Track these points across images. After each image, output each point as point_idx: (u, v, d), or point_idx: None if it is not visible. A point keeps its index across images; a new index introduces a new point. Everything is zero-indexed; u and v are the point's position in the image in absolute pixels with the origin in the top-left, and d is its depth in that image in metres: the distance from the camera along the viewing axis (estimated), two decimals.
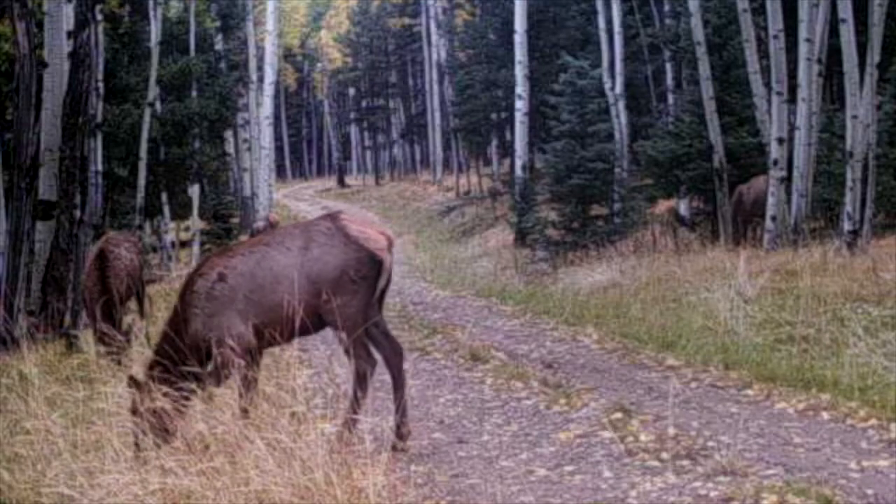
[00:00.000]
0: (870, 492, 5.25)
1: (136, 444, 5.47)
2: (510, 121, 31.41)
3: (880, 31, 14.22)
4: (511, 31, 29.01)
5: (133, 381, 5.66)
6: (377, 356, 6.06)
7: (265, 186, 35.45)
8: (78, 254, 11.26)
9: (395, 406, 5.83)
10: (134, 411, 5.66)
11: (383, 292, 6.05)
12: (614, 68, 26.45)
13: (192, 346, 5.70)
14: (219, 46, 34.27)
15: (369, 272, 5.78)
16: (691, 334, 9.90)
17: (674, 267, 14.40)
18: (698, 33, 18.68)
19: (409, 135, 59.39)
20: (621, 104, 26.33)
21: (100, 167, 15.57)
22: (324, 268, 5.69)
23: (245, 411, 5.56)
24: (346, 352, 5.85)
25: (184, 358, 5.69)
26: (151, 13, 20.08)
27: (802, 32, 16.17)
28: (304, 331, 5.87)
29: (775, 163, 16.25)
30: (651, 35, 28.49)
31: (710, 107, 18.38)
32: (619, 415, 6.95)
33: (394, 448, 5.71)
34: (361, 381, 5.77)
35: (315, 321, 5.82)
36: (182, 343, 5.70)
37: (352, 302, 5.71)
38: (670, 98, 28.27)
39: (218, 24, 33.83)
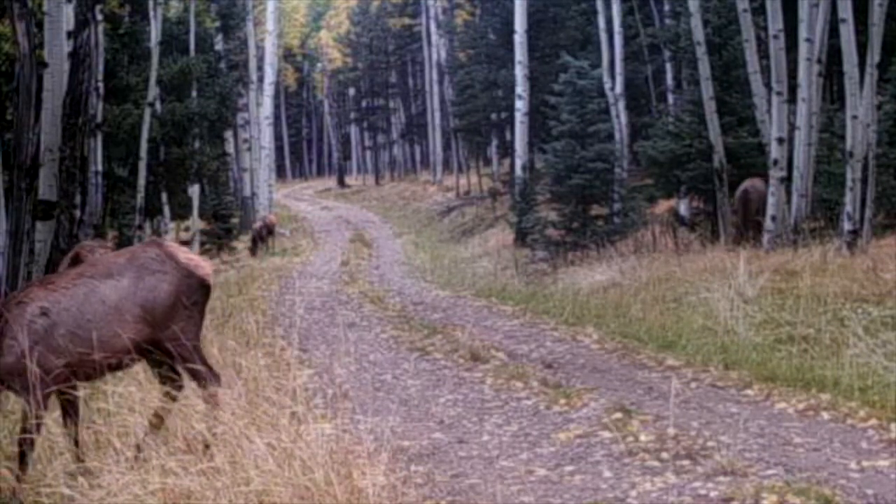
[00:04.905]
0: (870, 492, 5.25)
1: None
2: (510, 121, 31.44)
3: (880, 31, 14.22)
4: (511, 31, 29.03)
5: None
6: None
7: (265, 186, 35.49)
8: None
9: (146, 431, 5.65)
10: None
11: None
12: (614, 68, 26.47)
13: None
14: (219, 46, 34.27)
15: (200, 298, 5.78)
16: (691, 334, 9.90)
17: (674, 267, 14.40)
18: (698, 33, 18.68)
19: (409, 135, 59.41)
20: (621, 104, 26.35)
21: (100, 167, 15.53)
22: (158, 296, 5.64)
23: (22, 464, 5.38)
24: (193, 377, 5.77)
25: None
26: (151, 13, 20.07)
27: (802, 32, 16.17)
28: (132, 362, 5.78)
29: (775, 163, 16.25)
30: (651, 35, 28.50)
31: (710, 107, 18.38)
32: (619, 415, 6.95)
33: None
34: (214, 398, 5.68)
35: (142, 351, 5.71)
36: None
37: (188, 328, 5.70)
38: (670, 98, 28.29)
39: (218, 24, 33.85)
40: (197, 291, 5.77)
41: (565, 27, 32.01)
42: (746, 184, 17.51)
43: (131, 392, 6.03)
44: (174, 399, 5.77)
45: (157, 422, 5.72)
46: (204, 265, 5.86)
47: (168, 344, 5.67)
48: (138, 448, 5.47)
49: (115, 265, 5.70)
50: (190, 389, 5.92)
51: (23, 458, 5.42)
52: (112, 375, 6.04)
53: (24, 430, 5.42)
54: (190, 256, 5.86)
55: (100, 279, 5.61)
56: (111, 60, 18.45)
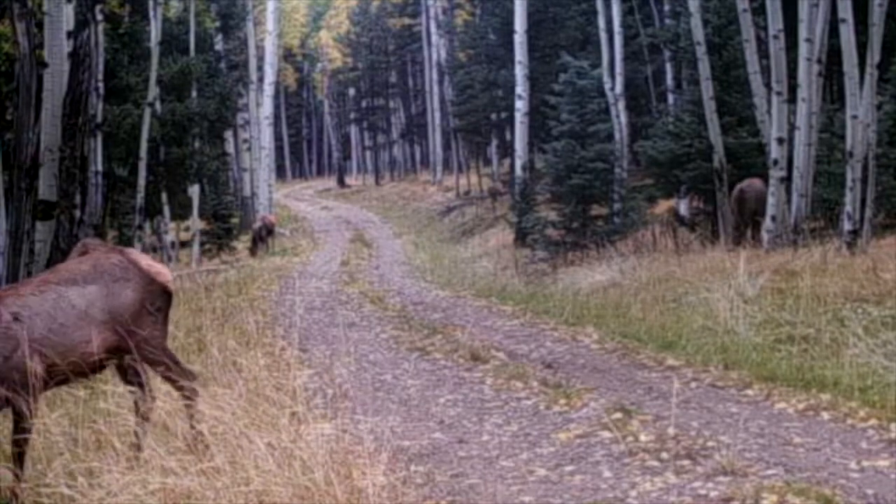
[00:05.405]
0: (870, 492, 5.25)
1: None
2: (510, 121, 31.45)
3: (880, 31, 14.22)
4: (511, 31, 29.05)
5: None
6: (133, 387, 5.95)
7: (265, 186, 35.50)
8: None
9: (141, 431, 5.69)
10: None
11: None
12: (614, 68, 26.47)
13: None
14: (219, 46, 34.30)
15: (163, 304, 5.88)
16: (691, 334, 9.90)
17: (674, 267, 14.40)
18: (698, 33, 18.70)
19: (409, 135, 59.46)
20: (621, 104, 26.35)
21: (100, 167, 15.52)
22: (123, 302, 5.70)
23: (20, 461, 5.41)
24: (167, 379, 5.85)
25: None
26: (151, 13, 20.07)
27: (802, 32, 16.17)
28: (100, 368, 5.83)
29: (775, 163, 16.26)
30: (651, 35, 28.52)
31: (710, 107, 18.39)
32: (619, 415, 6.94)
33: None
34: (194, 395, 5.76)
35: (110, 357, 5.75)
36: None
37: (155, 333, 5.79)
38: (670, 98, 28.31)
39: (218, 24, 33.87)
40: (160, 298, 5.85)
41: (565, 27, 32.03)
42: (743, 183, 17.58)
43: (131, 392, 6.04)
44: (147, 399, 5.82)
45: (146, 414, 5.76)
46: (165, 272, 5.96)
47: (136, 349, 5.72)
48: (138, 448, 5.48)
49: (79, 272, 5.73)
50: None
51: (20, 458, 5.44)
52: (100, 376, 6.06)
53: (22, 430, 5.43)
54: (151, 263, 5.95)
55: (66, 286, 5.63)
56: (111, 60, 18.45)
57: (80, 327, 5.57)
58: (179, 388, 5.83)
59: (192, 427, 5.62)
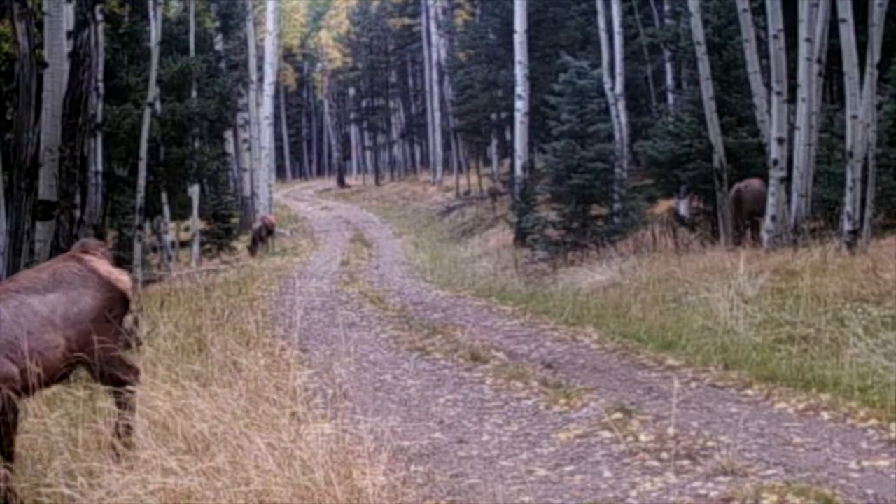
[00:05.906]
0: (870, 492, 5.25)
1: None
2: (510, 121, 31.46)
3: (880, 31, 14.23)
4: (511, 31, 29.05)
5: None
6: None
7: (265, 186, 35.51)
8: None
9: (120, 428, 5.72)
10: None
11: None
12: (614, 68, 26.48)
13: None
14: (219, 46, 34.30)
15: (121, 311, 5.92)
16: (691, 334, 9.90)
17: (674, 267, 14.39)
18: (698, 33, 18.70)
19: (409, 135, 59.47)
20: (621, 104, 26.35)
21: (100, 167, 15.48)
22: (84, 309, 5.72)
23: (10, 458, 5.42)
24: (112, 382, 5.83)
25: None
26: (151, 13, 20.05)
27: (802, 32, 16.18)
28: (64, 375, 5.85)
29: (775, 163, 16.26)
30: (651, 35, 28.54)
31: (710, 107, 18.39)
32: (619, 415, 6.95)
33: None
34: (131, 397, 5.78)
35: (71, 364, 5.77)
36: None
37: (110, 338, 5.80)
38: (670, 98, 28.32)
39: (218, 24, 33.87)
40: (119, 304, 5.87)
41: (565, 27, 32.04)
42: (741, 183, 17.60)
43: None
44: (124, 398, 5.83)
45: (132, 406, 5.77)
46: (124, 279, 5.97)
47: (93, 355, 5.70)
48: (131, 445, 5.48)
49: (38, 280, 5.73)
50: (192, 390, 5.93)
51: (10, 455, 5.45)
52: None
53: (9, 428, 5.43)
54: (110, 270, 5.94)
55: (26, 293, 5.62)
56: (111, 60, 18.42)
57: (46, 332, 5.56)
58: (121, 394, 5.79)
59: (123, 418, 5.63)
